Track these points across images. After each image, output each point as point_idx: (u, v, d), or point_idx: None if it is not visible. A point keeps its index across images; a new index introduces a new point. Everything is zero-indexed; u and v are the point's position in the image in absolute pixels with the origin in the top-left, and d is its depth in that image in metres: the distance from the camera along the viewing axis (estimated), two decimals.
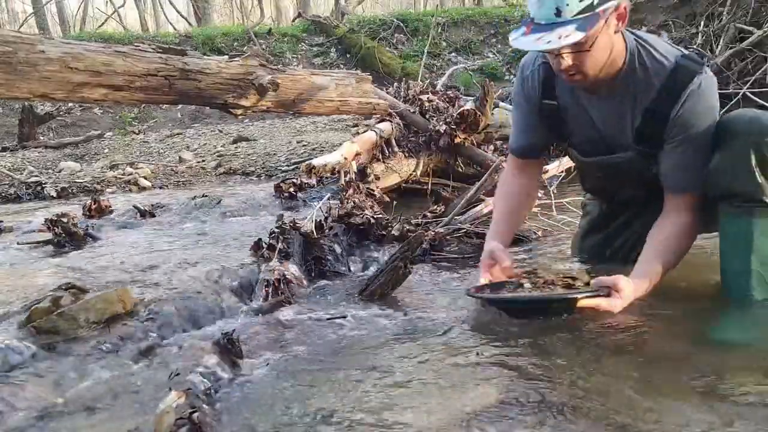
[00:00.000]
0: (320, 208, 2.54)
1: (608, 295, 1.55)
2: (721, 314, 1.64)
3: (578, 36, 1.45)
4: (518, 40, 1.53)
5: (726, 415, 1.12)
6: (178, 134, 7.71)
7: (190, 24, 17.63)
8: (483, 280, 1.75)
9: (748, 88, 6.63)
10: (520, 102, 1.92)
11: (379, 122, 3.91)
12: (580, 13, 1.46)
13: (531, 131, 1.91)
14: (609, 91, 1.68)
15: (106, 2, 19.93)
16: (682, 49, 1.65)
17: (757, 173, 1.53)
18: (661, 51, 1.64)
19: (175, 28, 16.82)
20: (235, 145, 6.43)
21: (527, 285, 1.63)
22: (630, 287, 1.55)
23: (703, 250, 1.95)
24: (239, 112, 3.38)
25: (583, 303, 1.54)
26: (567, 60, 1.55)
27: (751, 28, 7.31)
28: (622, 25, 1.57)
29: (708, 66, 1.60)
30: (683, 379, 1.27)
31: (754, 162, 1.52)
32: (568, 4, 1.45)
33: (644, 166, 1.72)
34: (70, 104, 8.69)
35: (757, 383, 1.23)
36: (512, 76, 9.39)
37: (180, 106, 8.77)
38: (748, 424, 1.08)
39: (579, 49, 1.52)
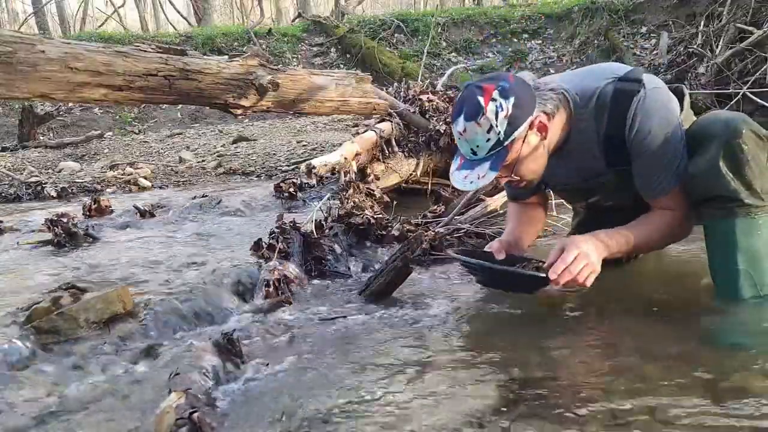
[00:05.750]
0: (320, 208, 2.54)
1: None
2: (722, 315, 1.64)
3: (492, 175, 1.61)
4: (453, 174, 1.69)
5: (727, 414, 1.12)
6: (178, 134, 7.71)
7: (190, 24, 17.66)
8: (486, 248, 1.89)
9: (748, 88, 6.64)
10: None
11: (379, 122, 3.91)
12: (491, 150, 1.61)
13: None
14: (567, 145, 1.76)
15: (106, 2, 19.97)
16: (620, 71, 1.69)
17: (729, 175, 1.56)
18: (594, 86, 1.69)
19: (175, 28, 16.84)
20: (235, 145, 6.44)
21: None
22: (580, 239, 1.64)
23: (703, 250, 1.95)
24: (239, 112, 3.38)
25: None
26: (503, 179, 1.72)
27: (751, 28, 7.31)
28: (545, 133, 1.67)
29: (645, 87, 1.63)
30: (686, 379, 1.27)
31: (725, 164, 1.56)
32: (478, 146, 1.62)
33: (624, 181, 1.76)
34: (70, 104, 8.70)
35: (760, 384, 1.23)
36: None
37: (180, 106, 8.79)
38: (748, 424, 1.09)
39: (504, 174, 1.68)
